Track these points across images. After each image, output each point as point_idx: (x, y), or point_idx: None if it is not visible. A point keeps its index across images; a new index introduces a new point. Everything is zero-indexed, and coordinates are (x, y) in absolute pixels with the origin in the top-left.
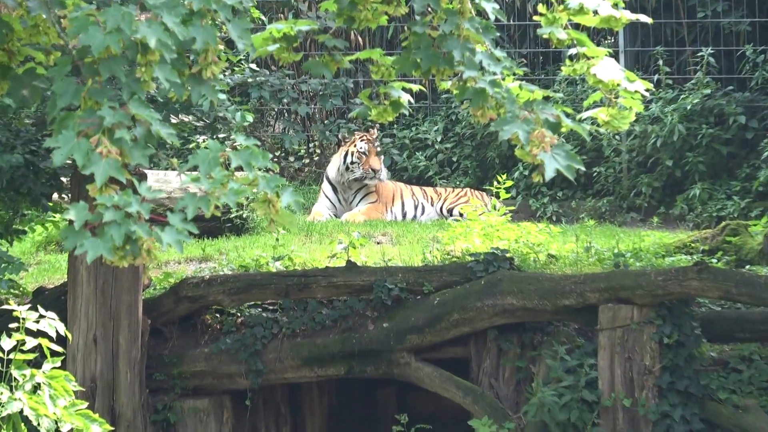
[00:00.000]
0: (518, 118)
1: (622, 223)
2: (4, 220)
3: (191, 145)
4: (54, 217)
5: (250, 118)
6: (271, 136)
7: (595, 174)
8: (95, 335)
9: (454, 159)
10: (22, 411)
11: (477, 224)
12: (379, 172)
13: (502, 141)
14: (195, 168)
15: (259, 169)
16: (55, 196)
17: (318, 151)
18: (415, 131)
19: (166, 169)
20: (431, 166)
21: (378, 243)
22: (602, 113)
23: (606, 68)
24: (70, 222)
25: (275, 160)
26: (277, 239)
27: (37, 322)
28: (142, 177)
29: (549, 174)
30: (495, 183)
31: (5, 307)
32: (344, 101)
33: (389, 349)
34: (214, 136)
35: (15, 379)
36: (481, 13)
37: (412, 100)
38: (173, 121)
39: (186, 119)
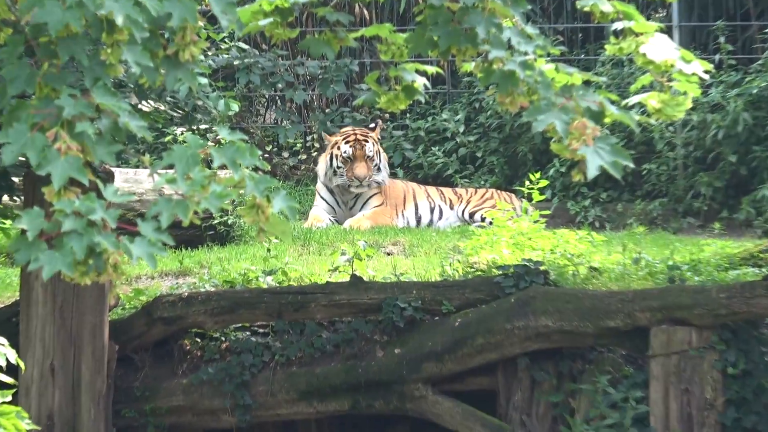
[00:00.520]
0: (554, 106)
1: (677, 230)
2: None
3: (166, 139)
4: (4, 223)
5: (236, 107)
6: (262, 128)
7: (645, 172)
8: (53, 364)
9: (478, 154)
10: None
11: (505, 231)
12: (367, 179)
13: (535, 133)
14: (171, 167)
15: (247, 168)
16: (6, 198)
17: (317, 145)
18: (432, 122)
19: (137, 167)
20: (451, 162)
21: (388, 254)
22: (653, 99)
23: (657, 46)
24: (23, 231)
25: (266, 156)
26: (269, 250)
27: None
28: (109, 177)
29: (591, 172)
30: (526, 183)
31: None
32: (348, 86)
33: (402, 380)
34: (193, 129)
35: None
36: None
37: (428, 85)
38: (144, 109)
39: (160, 108)
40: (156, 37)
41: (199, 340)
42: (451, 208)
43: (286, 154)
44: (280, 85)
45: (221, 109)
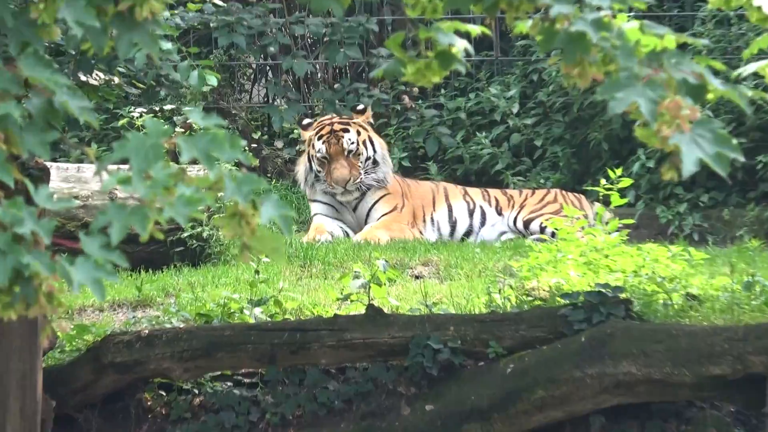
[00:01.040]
0: (638, 80)
1: None
2: None
3: (119, 124)
4: None
5: (213, 80)
6: (248, 109)
7: (761, 167)
8: None
9: (537, 143)
10: None
11: (573, 247)
12: (352, 181)
13: (613, 116)
14: (125, 161)
15: (227, 164)
16: None
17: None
18: (476, 100)
19: (80, 161)
20: (501, 154)
21: (417, 277)
22: None
23: None
24: None
25: (253, 147)
26: (257, 272)
27: None
28: (42, 176)
29: (688, 168)
30: (602, 181)
31: None
32: (363, 52)
33: None
34: (155, 111)
35: None
36: None
37: (471, 50)
38: (91, 82)
39: (111, 82)
40: None
41: (163, 393)
42: (500, 213)
43: (280, 144)
44: (272, 50)
45: (193, 84)
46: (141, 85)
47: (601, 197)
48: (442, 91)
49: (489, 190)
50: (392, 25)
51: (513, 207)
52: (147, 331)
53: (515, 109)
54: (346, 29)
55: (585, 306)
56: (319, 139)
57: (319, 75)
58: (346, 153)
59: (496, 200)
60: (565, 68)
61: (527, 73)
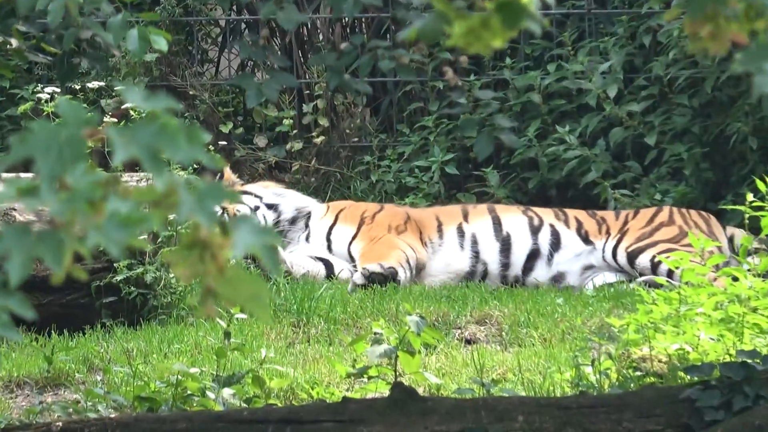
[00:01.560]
0: None
1: None
2: None
3: (20, 110)
4: None
5: (161, 43)
6: (213, 88)
7: None
8: None
9: (650, 140)
10: None
11: (704, 295)
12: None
13: (763, 97)
14: (28, 164)
15: (182, 171)
16: None
17: (326, 120)
18: (556, 75)
19: None
20: (595, 157)
21: (468, 341)
22: None
23: None
24: None
25: (222, 145)
26: (227, 334)
27: None
28: None
29: None
30: (748, 196)
31: None
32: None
33: None
34: (75, 89)
35: None
36: None
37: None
38: None
39: (9, 45)
40: None
41: None
42: (586, 239)
43: (262, 141)
44: None
45: (131, 50)
46: (54, 51)
47: (746, 220)
48: (507, 61)
49: (565, 210)
50: None
51: (607, 233)
52: (60, 424)
53: (614, 90)
54: None
55: (722, 385)
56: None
57: (319, 33)
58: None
59: (578, 222)
60: (690, 26)
61: (634, 33)
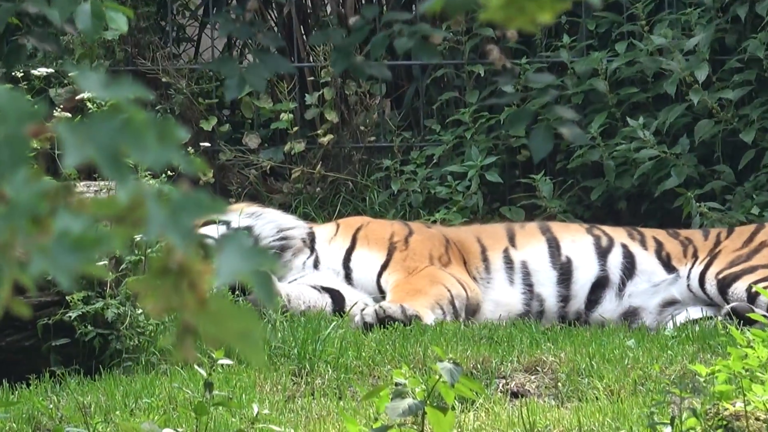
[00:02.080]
0: None
1: None
2: None
3: None
4: None
5: (121, 21)
6: (191, 74)
7: None
8: None
9: (746, 137)
10: None
11: None
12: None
13: None
14: None
15: (151, 179)
16: None
17: (334, 114)
18: (628, 57)
19: None
20: (675, 160)
21: (515, 394)
22: None
23: None
24: None
25: (203, 146)
26: (209, 385)
27: None
28: None
29: None
30: None
31: None
32: None
33: None
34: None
35: None
36: None
37: None
38: None
39: None
40: None
41: None
42: (668, 265)
43: (253, 141)
44: None
45: (84, 29)
46: None
47: None
48: (564, 40)
49: (641, 229)
50: None
51: (694, 257)
52: None
53: (703, 73)
54: None
55: None
56: None
57: (326, 4)
58: None
59: (658, 243)
60: None
61: (726, 3)
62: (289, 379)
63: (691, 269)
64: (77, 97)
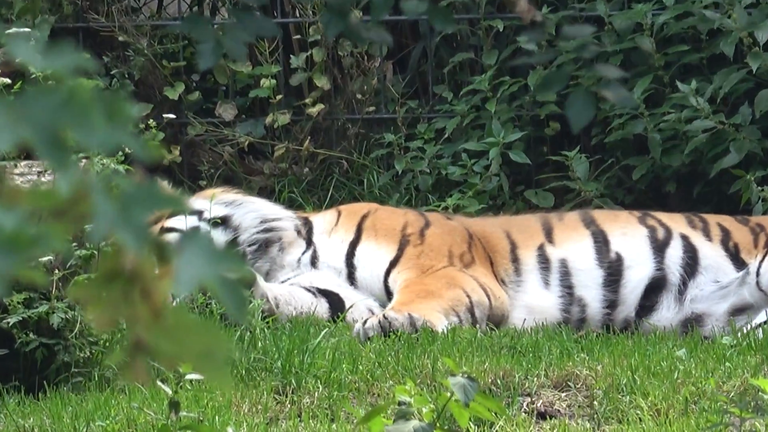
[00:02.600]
0: None
1: None
2: None
3: None
4: None
5: None
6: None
7: None
8: None
9: None
10: None
11: None
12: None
13: None
14: None
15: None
16: None
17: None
18: (676, 9)
19: None
20: (733, 132)
21: (542, 415)
22: None
23: None
24: None
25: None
26: (174, 405)
27: None
28: None
29: None
30: None
31: None
32: None
33: None
34: None
35: None
36: None
37: None
38: None
39: None
40: None
41: None
42: (736, 258)
43: (228, 113)
44: None
45: None
46: None
47: None
48: None
49: (703, 215)
50: None
51: (766, 246)
52: None
53: (765, 33)
54: None
55: None
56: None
57: None
58: None
59: (724, 232)
60: None
61: None
62: (272, 397)
63: (761, 263)
64: (7, 60)
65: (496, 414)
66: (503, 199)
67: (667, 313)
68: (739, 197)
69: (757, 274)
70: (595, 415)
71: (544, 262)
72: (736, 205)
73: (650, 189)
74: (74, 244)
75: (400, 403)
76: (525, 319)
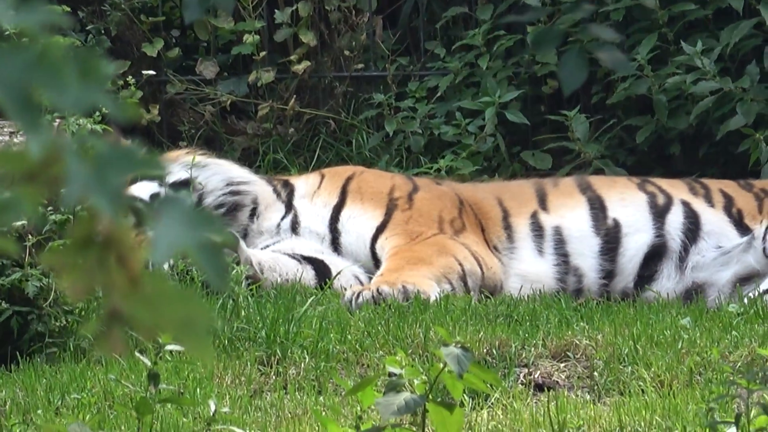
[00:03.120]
0: None
1: None
2: None
3: None
4: None
5: None
6: None
7: None
8: None
9: None
10: None
11: None
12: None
13: None
14: None
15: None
16: None
17: (311, 35)
18: None
19: None
20: (743, 96)
21: (540, 387)
22: None
23: None
24: None
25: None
26: (153, 376)
27: None
28: None
29: None
30: None
31: None
32: None
33: None
34: None
35: None
36: None
37: None
38: None
39: None
40: None
41: None
42: (740, 224)
43: (209, 68)
44: None
45: None
46: None
47: None
48: None
49: (705, 181)
50: None
51: None
52: None
53: None
54: None
55: None
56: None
57: None
58: None
59: (727, 198)
60: None
61: None
62: (256, 368)
63: (767, 229)
64: None
65: (491, 386)
66: (499, 160)
67: (667, 283)
68: (746, 158)
69: (764, 239)
70: (596, 387)
71: (537, 229)
72: (743, 166)
73: (654, 151)
74: (50, 208)
75: (390, 375)
76: (521, 286)
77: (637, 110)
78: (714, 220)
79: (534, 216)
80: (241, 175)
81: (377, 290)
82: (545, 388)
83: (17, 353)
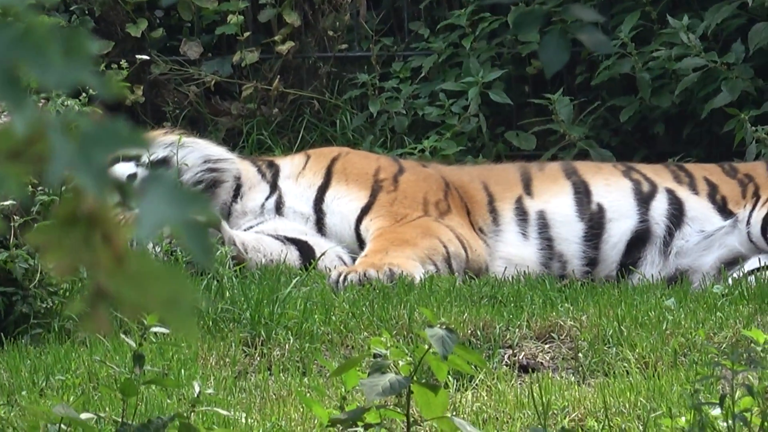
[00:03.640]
0: None
1: None
2: None
3: None
4: None
5: None
6: None
7: None
8: None
9: None
10: None
11: None
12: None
13: None
14: None
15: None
16: None
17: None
18: None
19: None
20: (728, 74)
21: (524, 368)
22: None
23: None
24: None
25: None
26: (138, 357)
27: None
28: None
29: None
30: None
31: None
32: None
33: None
34: None
35: None
36: None
37: None
38: None
39: None
40: None
41: None
42: (724, 209)
43: (193, 48)
44: None
45: None
46: None
47: None
48: None
49: (688, 167)
50: None
51: (755, 196)
52: None
53: None
54: None
55: None
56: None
57: None
58: None
59: (710, 184)
60: None
61: None
62: (240, 350)
63: (751, 212)
64: None
65: (476, 367)
66: (482, 141)
67: (651, 269)
68: (731, 138)
69: (748, 223)
70: (580, 368)
71: (521, 214)
72: (728, 146)
73: (638, 130)
74: (39, 188)
75: (375, 356)
76: (506, 268)
77: (620, 90)
78: (698, 207)
79: (519, 200)
80: (219, 153)
81: (363, 272)
82: (530, 370)
83: (2, 334)
